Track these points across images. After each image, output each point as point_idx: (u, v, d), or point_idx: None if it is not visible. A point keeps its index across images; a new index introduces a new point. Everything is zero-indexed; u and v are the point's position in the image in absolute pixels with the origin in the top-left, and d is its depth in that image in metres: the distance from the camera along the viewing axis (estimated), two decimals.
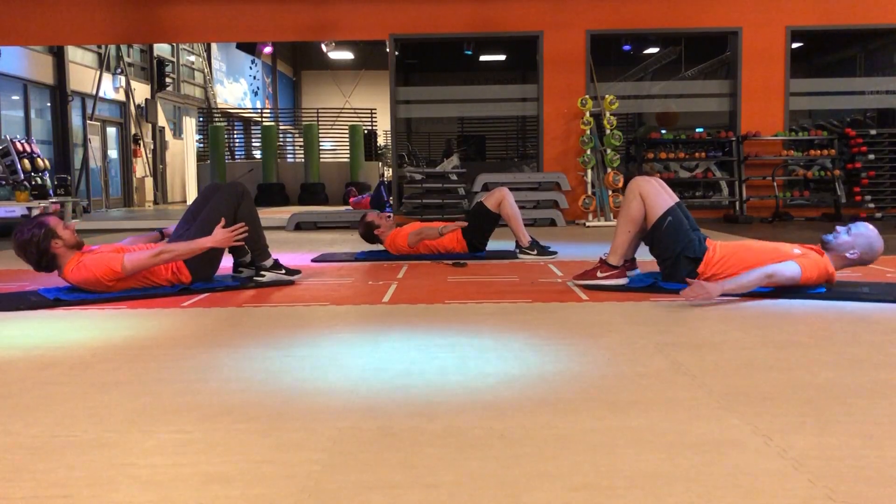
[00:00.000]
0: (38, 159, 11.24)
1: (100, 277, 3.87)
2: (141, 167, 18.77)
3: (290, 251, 6.42)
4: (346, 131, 18.87)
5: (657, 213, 3.89)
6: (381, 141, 21.82)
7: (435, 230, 5.70)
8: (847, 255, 3.75)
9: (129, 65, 18.07)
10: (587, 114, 9.93)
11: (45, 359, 2.69)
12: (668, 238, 3.88)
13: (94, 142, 16.72)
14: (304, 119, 22.35)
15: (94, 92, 16.36)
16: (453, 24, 10.50)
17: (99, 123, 16.91)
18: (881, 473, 1.57)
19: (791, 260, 3.68)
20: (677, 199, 3.97)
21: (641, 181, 3.98)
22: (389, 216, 6.20)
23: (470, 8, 10.44)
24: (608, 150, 9.81)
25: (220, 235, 4.09)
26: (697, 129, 11.05)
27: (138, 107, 18.49)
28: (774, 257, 3.74)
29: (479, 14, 10.44)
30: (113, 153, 17.88)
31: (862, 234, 3.76)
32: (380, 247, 6.01)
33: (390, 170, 12.92)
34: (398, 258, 5.67)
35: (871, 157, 10.24)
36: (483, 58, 15.90)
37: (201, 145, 20.29)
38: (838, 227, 3.85)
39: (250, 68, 26.13)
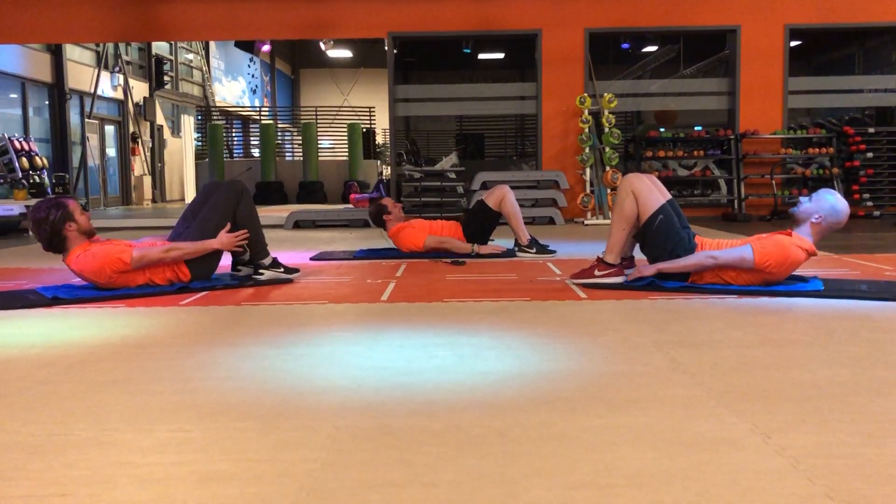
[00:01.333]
0: (37, 157, 11.23)
1: (105, 267, 3.88)
2: (139, 165, 18.76)
3: (289, 249, 6.41)
4: (345, 130, 18.87)
5: (649, 212, 3.90)
6: (379, 139, 21.81)
7: (465, 247, 5.61)
8: (812, 220, 3.77)
9: (128, 63, 18.05)
10: (586, 112, 9.92)
11: (43, 357, 2.68)
12: (660, 236, 3.89)
13: (93, 140, 16.71)
14: (302, 117, 22.34)
15: (93, 90, 16.35)
16: (452, 23, 10.49)
17: (97, 122, 16.89)
18: (880, 471, 1.57)
19: (746, 244, 3.72)
20: (669, 197, 3.98)
21: (633, 178, 3.99)
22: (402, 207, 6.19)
23: (469, 6, 10.43)
24: (607, 149, 9.81)
25: (224, 238, 4.20)
26: (696, 128, 11.05)
27: (136, 105, 18.47)
28: (735, 245, 3.79)
29: (477, 12, 10.44)
30: (111, 151, 17.86)
31: (823, 198, 3.79)
32: (379, 244, 6.01)
33: (389, 168, 12.91)
34: (397, 256, 5.67)
35: (870, 155, 10.25)
36: (482, 56, 15.91)
37: (200, 144, 20.28)
38: (801, 198, 3.89)
39: (249, 66, 26.10)
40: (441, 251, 5.65)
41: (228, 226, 4.24)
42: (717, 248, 3.86)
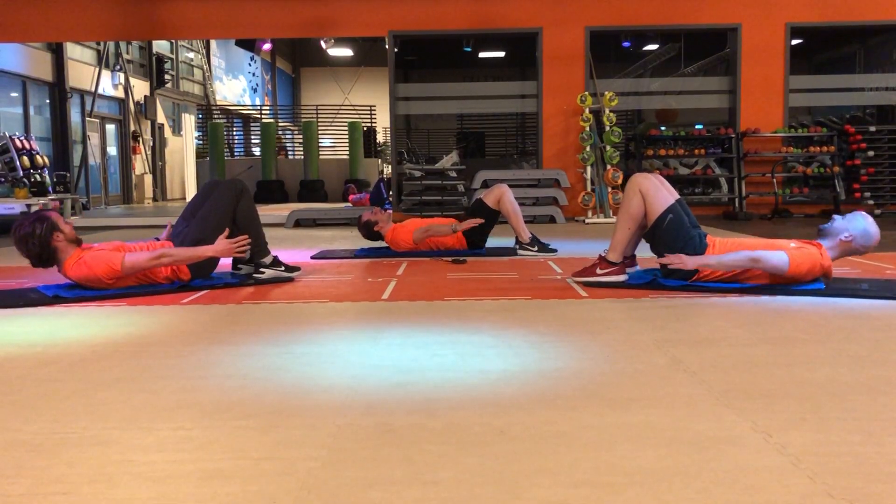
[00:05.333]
0: (38, 156, 11.24)
1: (99, 275, 3.87)
2: (140, 164, 18.76)
3: (290, 248, 6.42)
4: (346, 128, 18.87)
5: (658, 211, 3.89)
6: (380, 138, 21.81)
7: (447, 227, 5.66)
8: (841, 237, 3.75)
9: (128, 61, 18.05)
10: (587, 110, 9.92)
11: (44, 356, 2.69)
12: (670, 236, 3.87)
13: (94, 139, 16.71)
14: (303, 116, 22.33)
15: (93, 89, 16.35)
16: (452, 21, 10.48)
17: (98, 120, 16.89)
18: (880, 470, 1.57)
19: (782, 250, 3.71)
20: (677, 196, 3.96)
21: (641, 178, 3.98)
22: (386, 209, 6.20)
23: (469, 4, 10.42)
24: (607, 147, 9.80)
25: (221, 245, 4.10)
26: (697, 126, 11.04)
27: (137, 104, 18.47)
28: (767, 247, 3.76)
29: (478, 10, 10.43)
30: (112, 150, 17.86)
31: (857, 219, 3.78)
32: (381, 243, 6.01)
33: (390, 167, 12.91)
34: (397, 255, 5.67)
35: (871, 153, 10.24)
36: (482, 54, 15.89)
37: (200, 142, 20.28)
38: (835, 216, 3.87)
39: (249, 65, 26.10)
40: (433, 244, 5.67)
41: (227, 231, 4.16)
42: (730, 246, 3.82)
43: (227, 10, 10.57)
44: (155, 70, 19.19)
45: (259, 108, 25.21)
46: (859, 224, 3.75)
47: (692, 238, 3.86)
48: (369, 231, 5.88)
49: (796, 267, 3.67)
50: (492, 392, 2.17)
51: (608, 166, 9.76)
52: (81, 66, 15.99)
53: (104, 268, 3.88)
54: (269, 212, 10.72)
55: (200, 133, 20.45)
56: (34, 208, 8.91)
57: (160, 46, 19.71)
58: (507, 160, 14.10)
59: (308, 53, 28.86)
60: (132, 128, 18.35)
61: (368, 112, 20.45)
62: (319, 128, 19.28)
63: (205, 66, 22.41)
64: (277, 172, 17.91)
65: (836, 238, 3.76)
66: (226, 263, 4.57)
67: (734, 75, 10.54)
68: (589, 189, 9.83)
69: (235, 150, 20.90)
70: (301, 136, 18.95)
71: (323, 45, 19.17)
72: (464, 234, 5.73)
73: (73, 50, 15.57)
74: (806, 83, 10.97)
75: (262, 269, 4.44)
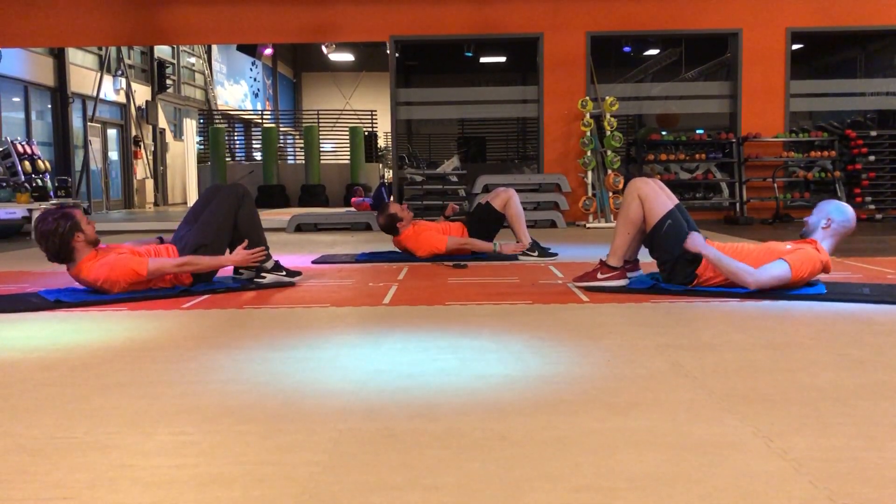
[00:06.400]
0: (39, 161, 11.24)
1: (120, 279, 3.89)
2: (141, 169, 18.78)
3: (291, 253, 6.42)
4: (347, 133, 18.89)
5: (657, 217, 3.89)
6: (381, 143, 21.83)
7: (489, 246, 5.66)
8: (821, 226, 3.81)
9: (130, 66, 18.08)
10: (587, 115, 9.93)
11: (45, 360, 2.69)
12: (668, 241, 3.87)
13: (95, 143, 16.73)
14: (304, 121, 22.37)
15: (95, 94, 16.37)
16: (454, 26, 10.50)
17: (99, 125, 16.92)
18: (882, 475, 1.57)
19: (781, 259, 3.70)
20: (676, 201, 3.96)
21: (640, 183, 3.98)
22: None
23: (470, 9, 10.44)
24: (608, 152, 9.81)
25: (239, 256, 4.23)
26: (698, 131, 11.05)
27: (139, 108, 18.50)
28: (766, 259, 3.74)
29: (479, 16, 10.45)
30: (113, 155, 17.89)
31: (823, 206, 3.86)
32: (381, 247, 6.00)
33: (391, 171, 12.92)
34: (399, 259, 5.66)
35: (872, 158, 10.24)
36: (483, 59, 15.91)
37: (202, 147, 20.31)
38: (805, 219, 3.95)
39: (251, 70, 26.15)
40: (464, 252, 5.63)
41: (246, 242, 4.25)
42: (731, 252, 3.81)
43: (229, 16, 10.59)
44: (156, 75, 19.24)
45: (260, 112, 25.25)
46: (829, 206, 3.84)
47: None
48: (391, 223, 5.74)
49: (799, 273, 3.68)
50: (493, 397, 2.16)
51: (609, 171, 9.77)
52: (83, 71, 16.03)
53: (128, 271, 3.91)
54: (270, 216, 10.73)
55: (202, 138, 20.48)
56: (35, 213, 8.91)
57: (162, 51, 19.75)
58: (508, 165, 14.13)
59: (309, 58, 28.90)
60: (133, 132, 18.38)
61: (369, 117, 20.48)
62: (320, 132, 19.31)
63: (206, 71, 22.45)
64: (279, 177, 17.93)
65: (818, 230, 3.82)
66: (227, 268, 4.57)
67: (735, 80, 10.55)
68: (590, 194, 9.83)
69: (236, 154, 20.93)
70: (302, 141, 18.97)
71: (324, 49, 19.19)
72: (469, 237, 5.73)
73: (74, 55, 15.60)
74: (807, 88, 10.99)
75: (263, 274, 4.44)
